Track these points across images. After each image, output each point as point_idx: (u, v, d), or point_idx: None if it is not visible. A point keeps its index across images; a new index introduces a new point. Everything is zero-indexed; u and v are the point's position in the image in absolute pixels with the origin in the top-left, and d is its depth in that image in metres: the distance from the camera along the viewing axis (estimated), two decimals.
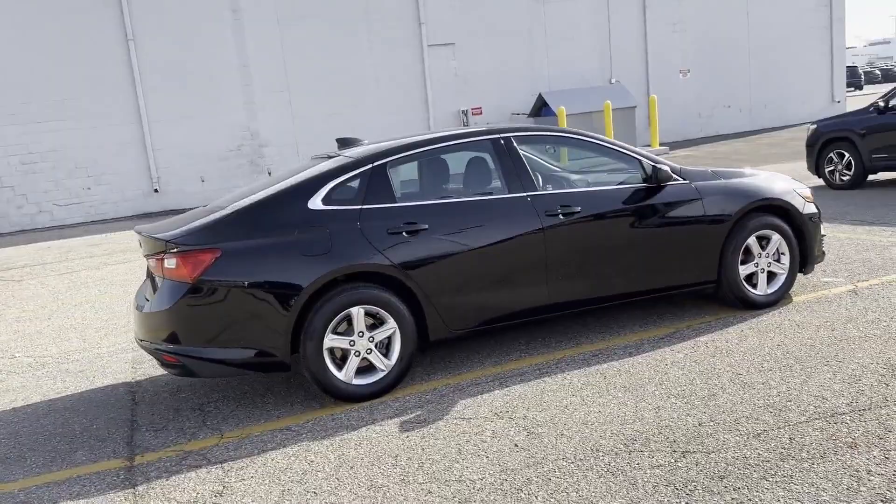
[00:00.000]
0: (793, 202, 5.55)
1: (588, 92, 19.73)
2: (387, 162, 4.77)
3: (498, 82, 20.03)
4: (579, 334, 5.32)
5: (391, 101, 19.33)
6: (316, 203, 4.55)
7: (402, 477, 3.49)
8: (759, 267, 5.48)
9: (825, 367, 4.25)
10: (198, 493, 3.57)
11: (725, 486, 3.08)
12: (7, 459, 4.25)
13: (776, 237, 5.48)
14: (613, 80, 20.96)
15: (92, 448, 4.27)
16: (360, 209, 4.59)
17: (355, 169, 4.71)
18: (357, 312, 4.43)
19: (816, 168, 11.75)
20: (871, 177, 11.40)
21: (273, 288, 4.33)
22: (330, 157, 5.11)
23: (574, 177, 5.62)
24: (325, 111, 18.79)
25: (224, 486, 3.61)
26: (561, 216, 4.88)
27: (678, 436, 3.58)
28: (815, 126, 11.97)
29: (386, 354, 4.55)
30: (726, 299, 5.48)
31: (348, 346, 4.45)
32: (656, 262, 5.20)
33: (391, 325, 4.51)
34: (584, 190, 5.17)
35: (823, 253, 5.81)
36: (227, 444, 4.12)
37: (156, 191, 17.68)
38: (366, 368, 4.53)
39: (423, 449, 3.76)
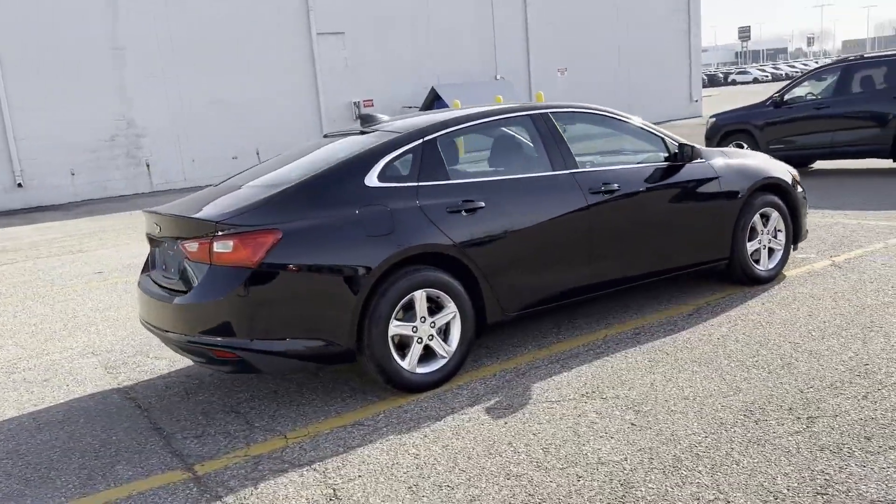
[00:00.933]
0: (788, 182, 5.82)
1: (477, 87, 19.96)
2: (436, 137, 4.50)
3: (388, 74, 19.79)
4: (603, 315, 5.28)
5: (280, 91, 18.58)
6: (372, 180, 4.21)
7: (535, 463, 3.27)
8: (762, 244, 5.70)
9: (872, 332, 4.46)
10: (309, 500, 3.17)
11: (879, 446, 3.13)
12: (29, 481, 3.59)
13: (775, 215, 5.72)
14: (499, 76, 21.32)
15: (133, 461, 3.70)
16: (418, 186, 4.29)
17: (406, 144, 4.39)
18: (420, 296, 4.14)
19: None
20: None
21: (339, 271, 3.95)
22: (361, 133, 4.76)
23: (600, 156, 5.57)
24: (208, 99, 17.74)
25: (334, 490, 3.23)
26: (603, 194, 4.82)
27: (790, 403, 3.61)
28: (713, 119, 12.75)
29: (445, 341, 4.28)
30: (734, 276, 5.64)
31: (411, 333, 4.14)
32: (681, 239, 5.26)
33: (451, 310, 4.25)
34: (621, 168, 5.12)
35: (807, 231, 6.15)
36: (297, 445, 3.70)
37: (19, 185, 15.94)
38: (424, 356, 4.24)
39: (534, 434, 3.55)
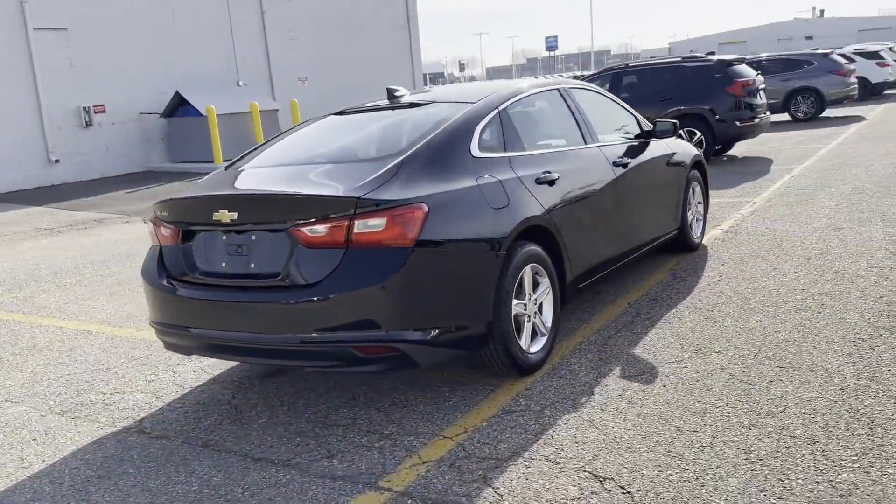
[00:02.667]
0: (703, 160, 6.56)
1: (223, 91, 18.78)
2: (507, 107, 4.28)
3: (124, 77, 17.66)
4: (592, 297, 5.43)
5: None
6: (476, 150, 3.88)
7: (742, 419, 3.32)
8: (694, 215, 6.34)
9: (837, 277, 5.24)
10: (559, 495, 2.85)
11: None
12: None
13: (699, 188, 6.41)
14: (241, 83, 20.28)
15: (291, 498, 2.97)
16: (509, 157, 4.06)
17: (487, 114, 4.11)
18: (528, 272, 3.92)
19: None
20: None
21: (480, 247, 3.62)
22: (411, 106, 4.38)
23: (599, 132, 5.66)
24: None
25: (592, 472, 2.95)
26: (622, 167, 4.99)
27: (866, 336, 4.13)
28: None
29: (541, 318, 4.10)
30: (682, 244, 6.18)
31: (523, 311, 3.90)
32: (660, 210, 5.64)
33: (546, 285, 4.09)
34: (623, 143, 5.31)
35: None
36: (468, 443, 3.28)
37: None
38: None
39: (721, 399, 3.53)
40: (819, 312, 4.52)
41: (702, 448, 3.05)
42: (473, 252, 3.60)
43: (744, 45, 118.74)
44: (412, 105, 4.40)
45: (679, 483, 2.81)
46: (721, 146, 12.34)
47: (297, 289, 3.35)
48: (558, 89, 4.90)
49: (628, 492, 2.79)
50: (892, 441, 2.96)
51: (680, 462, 2.96)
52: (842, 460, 2.86)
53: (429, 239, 3.33)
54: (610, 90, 12.55)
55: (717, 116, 11.50)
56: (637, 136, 5.57)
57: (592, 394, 3.67)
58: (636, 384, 3.74)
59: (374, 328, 3.26)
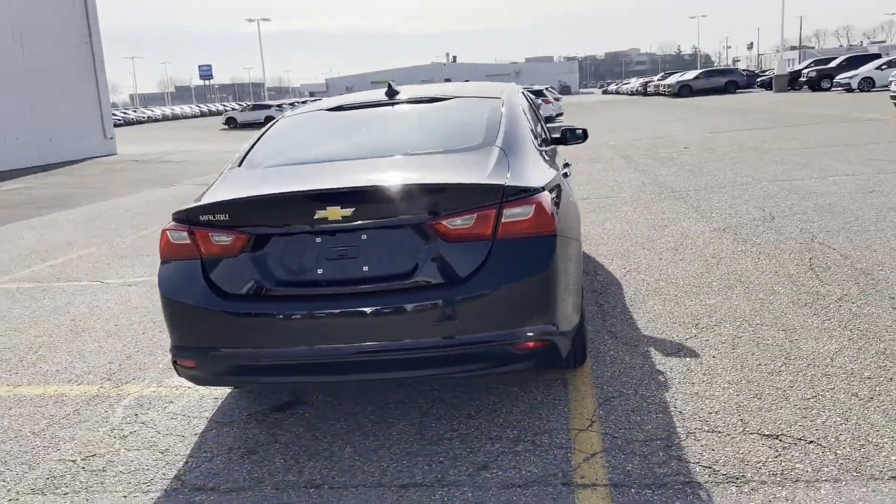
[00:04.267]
0: None
1: None
2: (521, 104, 4.29)
3: None
4: None
5: None
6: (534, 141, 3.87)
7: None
8: None
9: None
10: (760, 457, 3.03)
11: None
12: None
13: None
14: None
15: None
16: (540, 150, 4.10)
17: (519, 108, 4.10)
18: None
19: None
20: None
21: (577, 233, 3.63)
22: (412, 102, 4.20)
23: None
24: None
25: (767, 445, 3.14)
26: (566, 167, 5.26)
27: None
28: None
29: None
30: None
31: None
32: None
33: None
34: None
35: None
36: (612, 430, 3.27)
37: None
38: None
39: (759, 353, 3.97)
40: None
41: (799, 379, 3.42)
42: (577, 238, 3.61)
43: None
44: (434, 100, 4.17)
45: (830, 413, 3.13)
46: None
47: (438, 288, 3.01)
48: (532, 90, 5.05)
49: (810, 441, 3.04)
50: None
51: (806, 397, 3.29)
52: None
53: (561, 226, 3.25)
54: None
55: None
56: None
57: (661, 373, 3.86)
58: (685, 359, 4.02)
59: (530, 322, 3.07)
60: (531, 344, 3.08)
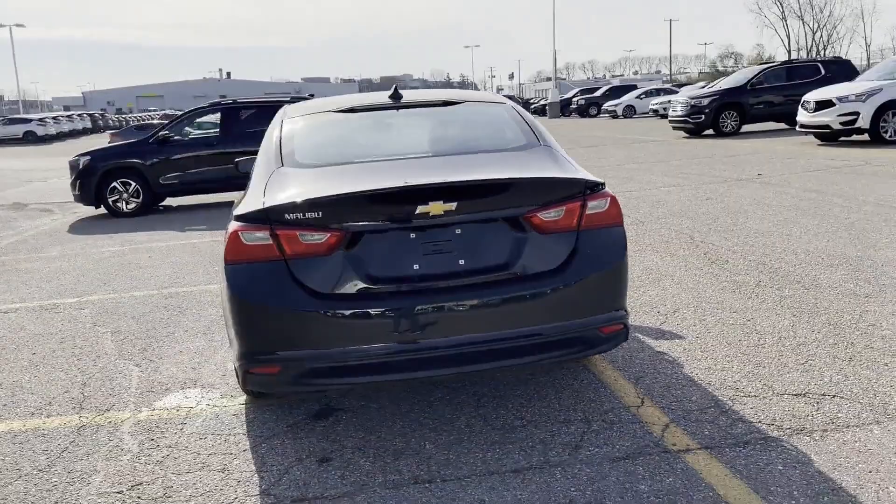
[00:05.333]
0: None
1: None
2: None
3: None
4: None
5: None
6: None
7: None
8: None
9: None
10: (809, 411, 3.50)
11: None
12: None
13: None
14: None
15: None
16: None
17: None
18: None
19: (98, 198, 11.86)
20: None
21: None
22: (428, 106, 4.31)
23: None
24: None
25: (807, 403, 3.60)
26: None
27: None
28: (87, 158, 11.95)
29: None
30: None
31: None
32: None
33: None
34: None
35: None
36: (671, 406, 3.58)
37: None
38: None
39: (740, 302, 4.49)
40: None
41: (782, 349, 3.97)
42: None
43: (162, 100, 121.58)
44: (447, 103, 4.22)
45: (830, 373, 3.68)
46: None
47: (534, 279, 3.13)
48: None
49: (833, 395, 3.55)
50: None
51: (800, 362, 3.83)
52: None
53: None
54: (223, 126, 12.26)
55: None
56: None
57: (664, 353, 4.23)
58: (675, 341, 4.44)
59: (612, 307, 3.29)
60: (613, 327, 3.30)
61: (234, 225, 3.13)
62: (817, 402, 3.49)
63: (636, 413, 3.49)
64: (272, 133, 3.91)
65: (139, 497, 3.01)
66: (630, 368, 4.03)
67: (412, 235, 3.09)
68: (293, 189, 3.19)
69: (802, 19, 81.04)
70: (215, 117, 12.57)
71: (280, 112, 4.23)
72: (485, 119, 4.15)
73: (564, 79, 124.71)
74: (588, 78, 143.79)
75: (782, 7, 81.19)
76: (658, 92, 39.54)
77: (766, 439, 3.17)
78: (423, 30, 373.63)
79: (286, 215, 3.03)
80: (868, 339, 4.22)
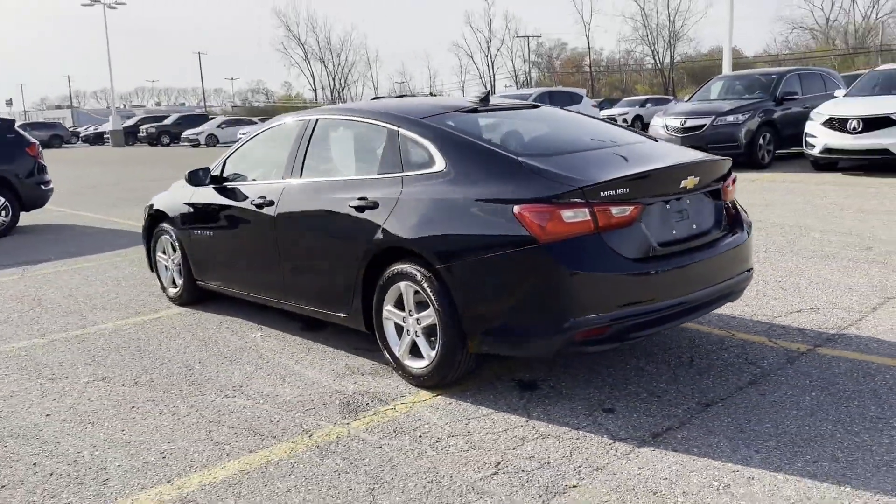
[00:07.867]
0: None
1: None
2: None
3: None
4: None
5: None
6: None
7: None
8: None
9: None
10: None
11: None
12: None
13: None
14: None
15: None
16: None
17: None
18: None
19: None
20: None
21: None
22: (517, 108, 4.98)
23: None
24: None
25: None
26: None
27: None
28: None
29: None
30: None
31: None
32: None
33: None
34: None
35: None
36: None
37: None
38: None
39: None
40: None
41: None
42: None
43: None
44: (535, 106, 4.85)
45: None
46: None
47: (727, 237, 4.02)
48: None
49: (817, 308, 5.12)
50: None
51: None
52: None
53: None
54: None
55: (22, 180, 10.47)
56: None
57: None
58: None
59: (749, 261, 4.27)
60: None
61: (543, 206, 3.39)
62: (824, 315, 5.05)
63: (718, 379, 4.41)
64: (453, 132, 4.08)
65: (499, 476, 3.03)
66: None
67: (667, 206, 3.73)
68: (588, 172, 3.54)
69: (323, 62, 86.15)
70: None
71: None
72: (581, 118, 4.86)
73: (78, 106, 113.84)
74: (107, 107, 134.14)
75: (304, 49, 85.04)
76: (237, 122, 40.13)
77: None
78: None
79: (602, 193, 3.43)
80: None
